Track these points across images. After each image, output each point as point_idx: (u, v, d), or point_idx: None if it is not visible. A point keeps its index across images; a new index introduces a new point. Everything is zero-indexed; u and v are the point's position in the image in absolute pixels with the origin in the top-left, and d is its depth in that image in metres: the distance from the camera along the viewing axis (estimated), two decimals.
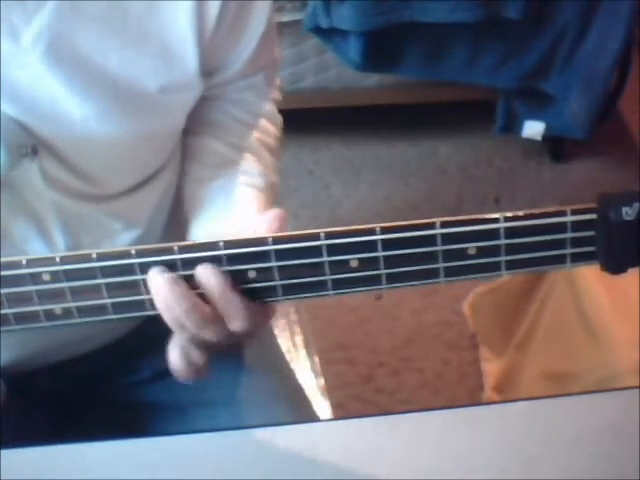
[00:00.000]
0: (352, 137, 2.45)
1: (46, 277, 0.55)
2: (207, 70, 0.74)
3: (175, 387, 0.89)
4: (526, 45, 2.05)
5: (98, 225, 0.75)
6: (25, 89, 0.65)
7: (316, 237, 0.53)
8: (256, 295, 0.55)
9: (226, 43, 0.74)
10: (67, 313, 0.57)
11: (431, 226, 0.52)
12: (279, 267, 0.54)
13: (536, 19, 1.98)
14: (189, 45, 0.70)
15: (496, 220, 0.51)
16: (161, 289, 0.55)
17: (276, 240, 0.53)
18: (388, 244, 0.52)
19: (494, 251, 0.52)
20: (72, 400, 0.90)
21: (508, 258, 0.52)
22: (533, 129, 2.22)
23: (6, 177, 0.66)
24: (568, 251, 0.52)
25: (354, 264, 0.53)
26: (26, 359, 0.80)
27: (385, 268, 0.53)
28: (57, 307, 0.56)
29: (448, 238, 0.52)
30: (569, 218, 0.51)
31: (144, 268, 0.55)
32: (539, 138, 2.24)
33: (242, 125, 0.82)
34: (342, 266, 0.53)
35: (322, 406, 1.08)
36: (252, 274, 0.54)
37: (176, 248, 0.54)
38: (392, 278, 0.53)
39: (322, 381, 1.13)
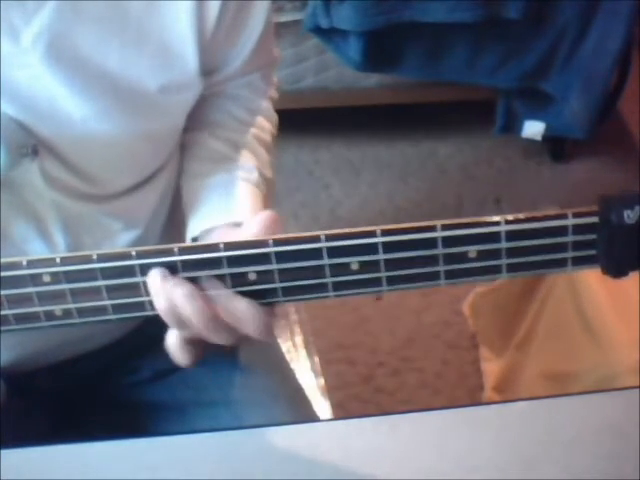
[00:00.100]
0: (352, 137, 2.45)
1: (46, 278, 0.55)
2: (206, 69, 0.74)
3: (175, 387, 0.89)
4: (526, 45, 2.05)
5: (98, 225, 0.75)
6: (25, 89, 0.66)
7: (316, 239, 0.53)
8: (256, 297, 0.55)
9: (225, 43, 0.74)
10: (67, 314, 0.57)
11: (432, 229, 0.52)
12: (279, 269, 0.54)
13: (536, 19, 1.98)
14: (189, 45, 0.70)
15: (497, 223, 0.51)
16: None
17: (277, 242, 0.53)
18: (389, 247, 0.52)
19: (495, 254, 0.52)
20: (72, 400, 0.90)
21: (509, 261, 0.52)
22: (533, 129, 2.22)
23: (6, 177, 0.66)
24: (569, 254, 0.52)
25: (355, 266, 0.53)
26: (26, 359, 0.80)
27: (386, 271, 0.53)
28: (57, 308, 0.56)
29: (449, 241, 0.52)
30: (570, 221, 0.51)
31: (144, 269, 0.55)
32: (539, 138, 2.24)
33: (239, 122, 0.82)
34: (343, 268, 0.53)
35: (322, 406, 1.08)
36: (252, 276, 0.54)
37: (176, 250, 0.54)
38: (393, 280, 0.53)
39: (322, 381, 1.13)
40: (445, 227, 0.51)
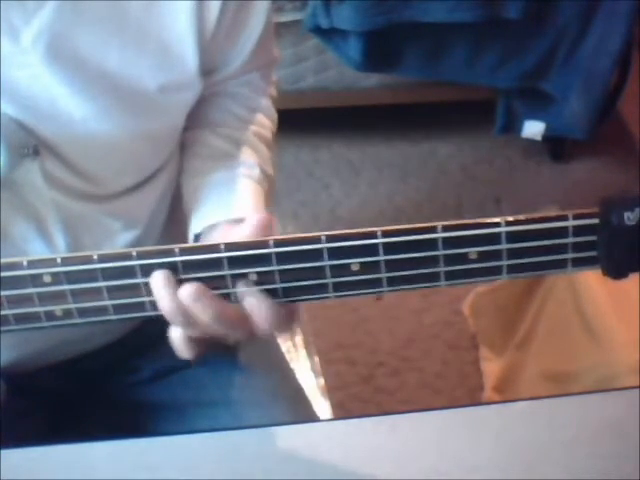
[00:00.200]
0: (352, 137, 2.44)
1: (47, 278, 0.55)
2: (206, 69, 0.74)
3: (175, 387, 0.89)
4: (526, 45, 2.05)
5: (98, 225, 0.75)
6: (25, 89, 0.66)
7: (317, 240, 0.53)
8: None
9: (225, 43, 0.74)
10: (67, 314, 0.57)
11: (432, 230, 0.52)
12: (280, 270, 0.54)
13: (536, 19, 1.98)
14: (189, 45, 0.70)
15: (497, 224, 0.51)
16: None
17: (277, 243, 0.53)
18: (389, 248, 0.52)
19: (495, 255, 0.52)
20: (72, 400, 0.90)
21: (509, 262, 0.52)
22: (533, 129, 2.22)
23: (7, 177, 0.66)
24: (569, 256, 0.52)
25: (355, 267, 0.53)
26: (26, 359, 0.80)
27: (386, 271, 0.53)
28: (58, 308, 0.56)
29: (449, 242, 0.52)
30: (571, 223, 0.51)
31: (145, 270, 0.55)
32: (539, 138, 2.24)
33: (239, 119, 0.82)
34: (343, 269, 0.53)
35: (322, 406, 1.08)
36: (253, 277, 0.54)
37: (177, 250, 0.54)
38: (393, 281, 0.53)
39: (322, 381, 1.13)
40: (445, 228, 0.51)
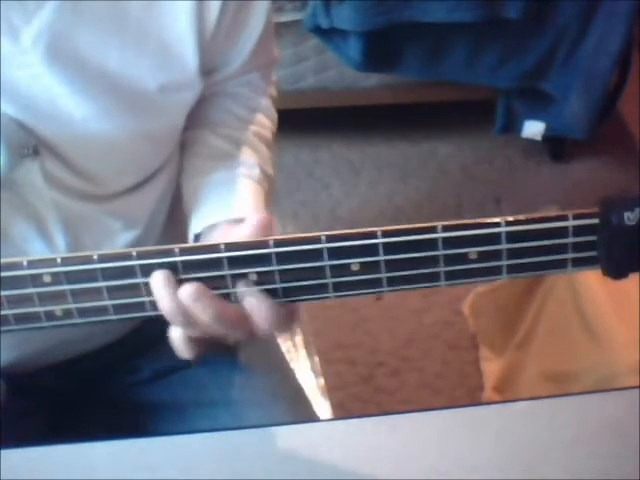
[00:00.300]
0: (352, 137, 2.44)
1: (47, 278, 0.55)
2: (206, 69, 0.74)
3: (175, 387, 0.89)
4: (526, 45, 2.05)
5: (98, 225, 0.75)
6: (25, 89, 0.66)
7: (317, 240, 0.53)
8: None
9: (225, 43, 0.74)
10: (68, 314, 0.57)
11: (432, 230, 0.52)
12: (280, 270, 0.54)
13: (536, 19, 1.98)
14: (189, 45, 0.70)
15: (497, 224, 0.51)
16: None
17: (277, 243, 0.53)
18: (389, 248, 0.52)
19: (495, 255, 0.52)
20: (72, 400, 0.90)
21: (509, 262, 0.52)
22: (533, 129, 2.22)
23: (7, 177, 0.66)
24: (569, 256, 0.52)
25: (355, 267, 0.53)
26: (26, 359, 0.80)
27: (386, 272, 0.53)
28: (58, 308, 0.56)
29: (449, 242, 0.52)
30: (571, 223, 0.51)
31: (145, 270, 0.55)
32: (539, 138, 2.24)
33: (239, 119, 0.82)
34: (343, 269, 0.53)
35: (322, 406, 1.08)
36: (253, 277, 0.54)
37: (177, 250, 0.54)
38: (393, 281, 0.53)
39: (322, 381, 1.13)
40: (446, 228, 0.51)
